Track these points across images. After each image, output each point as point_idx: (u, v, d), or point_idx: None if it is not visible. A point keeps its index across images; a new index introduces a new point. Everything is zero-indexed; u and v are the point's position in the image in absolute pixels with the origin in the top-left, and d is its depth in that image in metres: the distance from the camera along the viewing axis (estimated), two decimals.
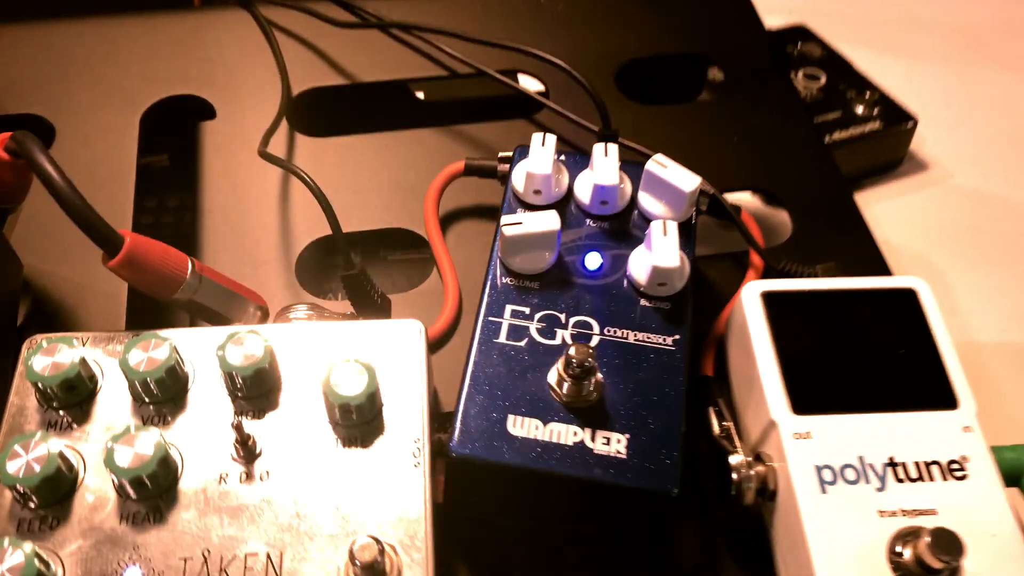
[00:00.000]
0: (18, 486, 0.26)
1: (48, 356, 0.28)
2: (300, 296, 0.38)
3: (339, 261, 0.33)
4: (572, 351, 0.28)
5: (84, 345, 0.30)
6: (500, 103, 0.48)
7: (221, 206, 0.40)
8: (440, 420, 0.32)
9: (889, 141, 0.70)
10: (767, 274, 0.38)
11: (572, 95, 0.42)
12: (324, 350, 0.30)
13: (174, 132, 0.44)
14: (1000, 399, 0.55)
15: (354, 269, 0.32)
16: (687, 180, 0.33)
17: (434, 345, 0.36)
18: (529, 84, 0.47)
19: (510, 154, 0.37)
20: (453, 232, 0.40)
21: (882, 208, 0.68)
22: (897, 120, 0.70)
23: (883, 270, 0.39)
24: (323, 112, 0.45)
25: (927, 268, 0.62)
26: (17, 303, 0.36)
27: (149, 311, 0.36)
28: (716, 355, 0.36)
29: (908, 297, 0.34)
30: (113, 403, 0.29)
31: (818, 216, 0.41)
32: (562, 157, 0.35)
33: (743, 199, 0.46)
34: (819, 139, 0.44)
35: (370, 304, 0.33)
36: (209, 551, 0.27)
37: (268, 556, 0.27)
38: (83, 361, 0.29)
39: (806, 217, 0.41)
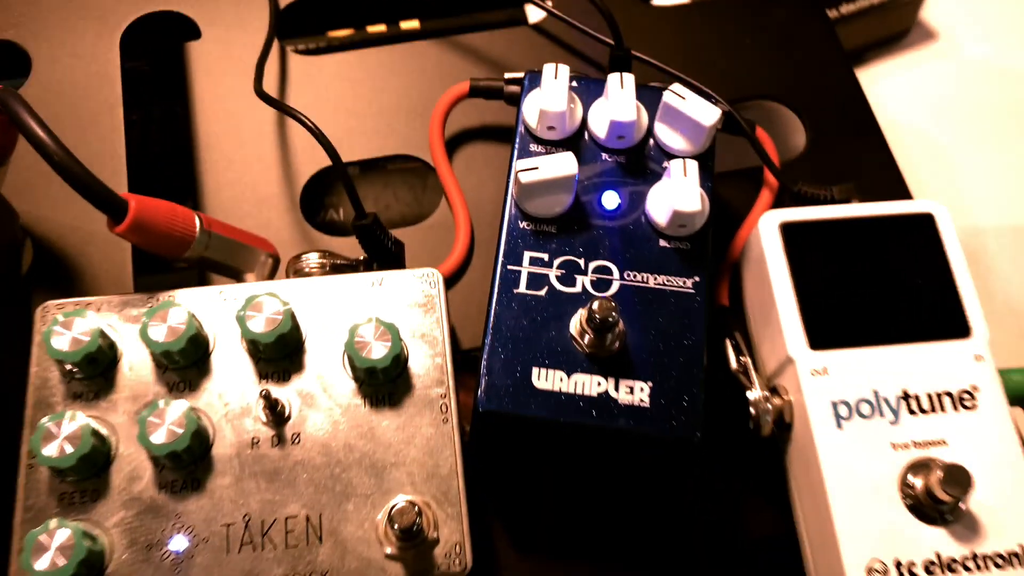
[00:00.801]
0: (56, 466, 0.26)
1: (66, 330, 0.28)
2: (306, 233, 0.37)
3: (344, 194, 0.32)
4: (595, 306, 0.28)
5: (99, 311, 0.30)
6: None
7: (217, 139, 0.39)
8: (460, 357, 0.32)
9: (897, 11, 0.68)
10: (782, 194, 0.37)
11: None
12: (344, 306, 0.30)
13: (156, 53, 0.42)
14: (1002, 284, 0.55)
15: (366, 219, 0.32)
16: (707, 113, 0.31)
17: (448, 281, 0.36)
18: None
19: (518, 75, 0.36)
20: (460, 157, 0.39)
21: (889, 84, 0.66)
22: None
23: (901, 186, 0.38)
24: (314, 21, 0.43)
25: (934, 147, 0.61)
26: (18, 252, 0.35)
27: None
28: (731, 282, 0.36)
29: (926, 222, 0.33)
30: (136, 370, 0.29)
31: (833, 126, 0.40)
32: (574, 83, 0.34)
33: None
34: (835, 40, 0.42)
35: (384, 251, 0.32)
36: (249, 516, 0.27)
37: (307, 518, 0.27)
38: (102, 333, 0.28)
39: (821, 127, 0.40)
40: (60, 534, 0.25)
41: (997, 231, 0.59)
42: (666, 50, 0.41)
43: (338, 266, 0.33)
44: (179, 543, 0.27)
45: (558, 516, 0.32)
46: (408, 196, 0.48)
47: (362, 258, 0.33)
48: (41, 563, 0.25)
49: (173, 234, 0.30)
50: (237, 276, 0.32)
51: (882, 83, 0.66)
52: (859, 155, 0.39)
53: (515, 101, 0.36)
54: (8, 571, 0.26)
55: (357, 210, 0.32)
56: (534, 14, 0.43)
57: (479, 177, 0.38)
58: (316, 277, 0.31)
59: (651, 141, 0.33)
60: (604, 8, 0.36)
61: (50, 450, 0.26)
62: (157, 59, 0.43)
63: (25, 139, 0.29)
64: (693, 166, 0.31)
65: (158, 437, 0.27)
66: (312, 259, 0.32)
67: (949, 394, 0.31)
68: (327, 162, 0.37)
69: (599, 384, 0.29)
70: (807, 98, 0.41)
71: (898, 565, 0.28)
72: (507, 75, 0.36)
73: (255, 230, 0.36)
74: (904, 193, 0.38)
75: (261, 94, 0.35)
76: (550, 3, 0.41)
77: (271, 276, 0.33)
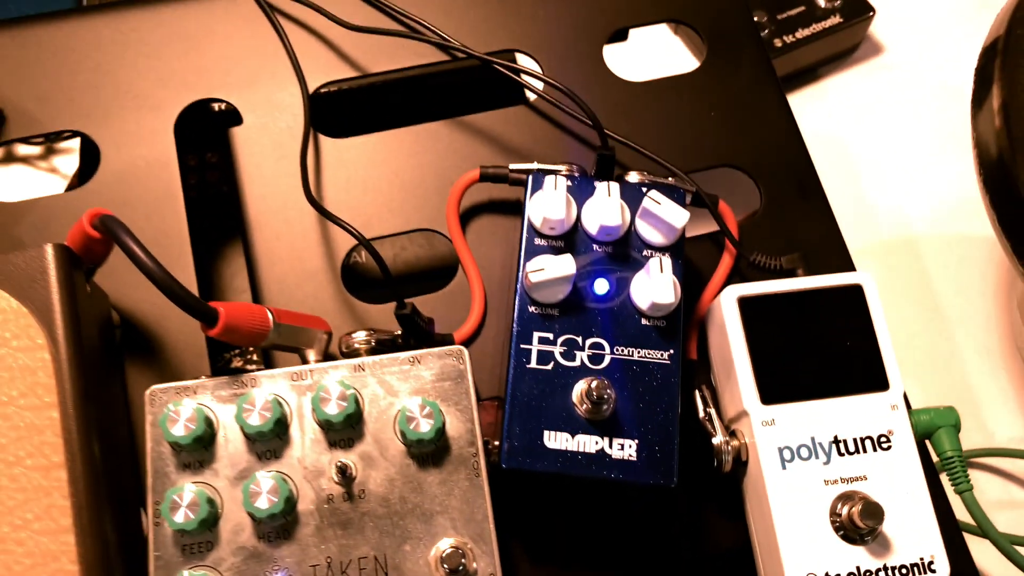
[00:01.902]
0: (183, 529, 0.34)
1: (177, 416, 0.35)
2: (348, 302, 0.44)
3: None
4: (593, 385, 0.36)
5: (195, 394, 0.37)
6: (497, 91, 0.52)
7: (266, 219, 0.46)
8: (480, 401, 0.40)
9: (848, 32, 0.75)
10: (739, 259, 0.45)
11: (569, 67, 0.48)
12: (391, 381, 0.38)
13: (203, 137, 0.48)
14: (928, 284, 0.64)
15: (405, 309, 0.39)
16: (678, 216, 0.39)
17: (466, 342, 0.43)
18: (526, 62, 0.51)
19: (521, 167, 0.43)
20: (471, 229, 0.46)
21: (839, 97, 0.73)
22: (856, 13, 0.74)
23: (842, 249, 0.46)
24: (339, 108, 0.49)
25: (878, 156, 0.69)
26: (112, 326, 0.42)
27: None
28: (698, 337, 0.44)
29: (856, 292, 0.41)
30: (231, 442, 0.37)
31: (785, 190, 0.48)
32: (568, 183, 0.41)
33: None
34: (787, 109, 0.49)
35: (419, 330, 0.40)
36: (331, 558, 0.35)
37: (375, 558, 0.36)
38: (207, 420, 0.36)
39: (774, 191, 0.48)
40: None
41: (931, 229, 0.66)
42: (641, 122, 0.49)
43: (382, 341, 0.40)
44: None
45: (565, 533, 0.41)
46: (420, 238, 0.55)
47: (399, 333, 0.41)
48: None
49: (253, 331, 0.37)
50: (301, 354, 0.40)
51: (832, 96, 0.73)
52: (807, 217, 0.47)
53: (518, 183, 0.43)
54: None
55: (398, 303, 0.39)
56: (530, 94, 0.49)
57: (488, 245, 0.45)
58: (367, 358, 0.38)
59: (633, 234, 0.40)
60: (590, 112, 0.43)
61: (178, 517, 0.34)
62: (210, 146, 0.49)
63: (130, 260, 0.35)
64: (668, 263, 0.38)
65: (261, 503, 0.34)
66: (360, 336, 0.40)
67: (870, 438, 0.39)
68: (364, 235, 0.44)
69: (596, 443, 0.37)
70: (763, 167, 0.48)
71: None
72: (511, 166, 0.43)
73: (304, 302, 0.44)
74: (843, 252, 0.46)
75: (310, 199, 0.42)
76: (541, 85, 0.48)
77: (327, 349, 0.41)
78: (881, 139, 0.71)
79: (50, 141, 0.64)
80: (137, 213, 0.45)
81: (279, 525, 0.36)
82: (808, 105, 0.73)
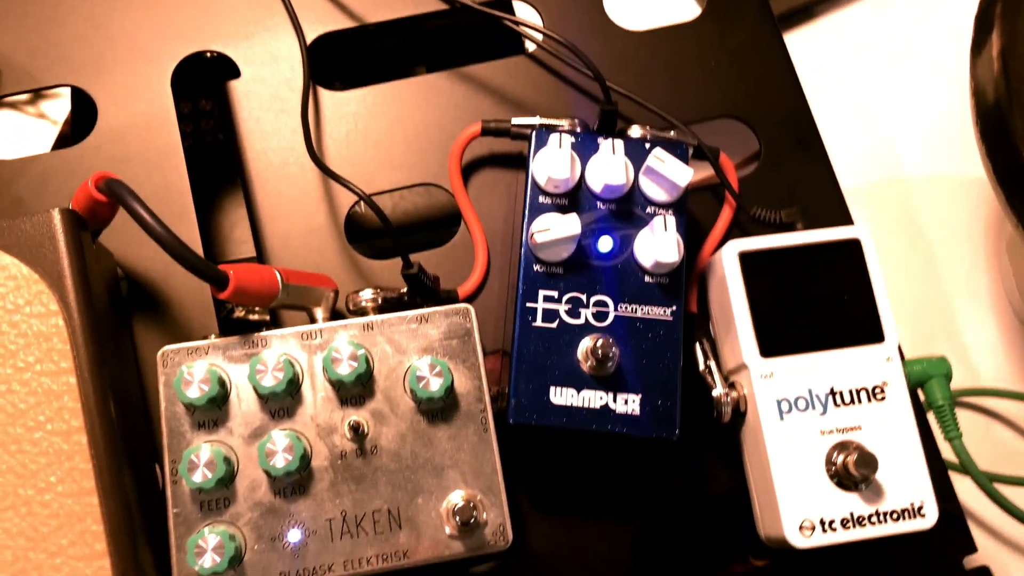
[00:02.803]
0: (201, 488, 0.35)
1: (191, 379, 0.36)
2: (352, 257, 0.45)
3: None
4: (598, 343, 0.37)
5: (207, 355, 0.38)
6: (496, 39, 0.51)
7: (267, 174, 0.45)
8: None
9: None
10: (739, 212, 0.45)
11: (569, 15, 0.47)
12: (400, 340, 0.38)
13: (200, 90, 0.47)
14: (917, 224, 0.65)
15: (412, 268, 0.39)
16: (682, 174, 0.39)
17: (469, 297, 0.44)
18: (524, 11, 0.50)
19: (525, 121, 0.43)
20: (473, 184, 0.46)
21: (832, 36, 0.73)
22: None
23: (840, 202, 0.47)
24: (338, 60, 0.48)
25: (869, 97, 0.69)
26: (118, 284, 0.43)
27: None
28: (698, 289, 0.45)
29: (853, 246, 0.42)
30: (244, 401, 0.37)
31: (785, 141, 0.48)
32: (572, 141, 0.41)
33: None
34: (787, 59, 0.49)
35: (426, 289, 0.40)
36: (345, 512, 0.37)
37: (389, 511, 0.37)
38: (220, 380, 0.36)
39: (774, 142, 0.48)
40: (212, 539, 0.34)
41: (921, 170, 0.67)
42: (642, 72, 0.48)
43: (388, 299, 0.41)
44: (295, 535, 0.36)
45: (570, 485, 0.42)
46: (419, 188, 0.55)
47: (405, 290, 0.41)
48: (204, 562, 0.34)
49: (263, 293, 0.37)
50: (309, 312, 0.40)
51: (825, 34, 0.73)
52: (806, 169, 0.47)
53: (520, 137, 0.43)
54: (170, 564, 0.35)
55: (405, 262, 0.39)
56: (530, 43, 0.49)
57: (489, 199, 0.46)
58: (375, 317, 0.39)
59: (636, 190, 0.41)
60: (592, 66, 0.43)
61: (196, 477, 0.35)
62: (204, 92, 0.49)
63: (139, 225, 0.36)
64: (672, 222, 0.39)
65: (277, 461, 0.35)
66: (367, 295, 0.40)
67: (866, 389, 0.40)
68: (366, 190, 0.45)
69: (601, 398, 0.38)
70: (763, 118, 0.48)
71: (822, 522, 0.38)
72: (514, 120, 0.43)
73: (308, 258, 0.44)
74: (841, 204, 0.47)
75: (313, 157, 0.42)
76: (541, 37, 0.47)
77: (334, 307, 0.41)
78: (873, 79, 0.71)
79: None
80: (137, 169, 0.45)
81: (294, 481, 0.37)
82: (802, 44, 0.72)
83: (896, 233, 0.64)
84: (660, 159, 0.39)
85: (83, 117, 0.52)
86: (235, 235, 0.54)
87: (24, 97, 0.63)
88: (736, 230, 0.46)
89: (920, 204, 0.66)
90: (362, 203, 0.51)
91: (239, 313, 0.52)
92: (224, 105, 0.47)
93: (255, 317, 0.52)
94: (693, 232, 0.46)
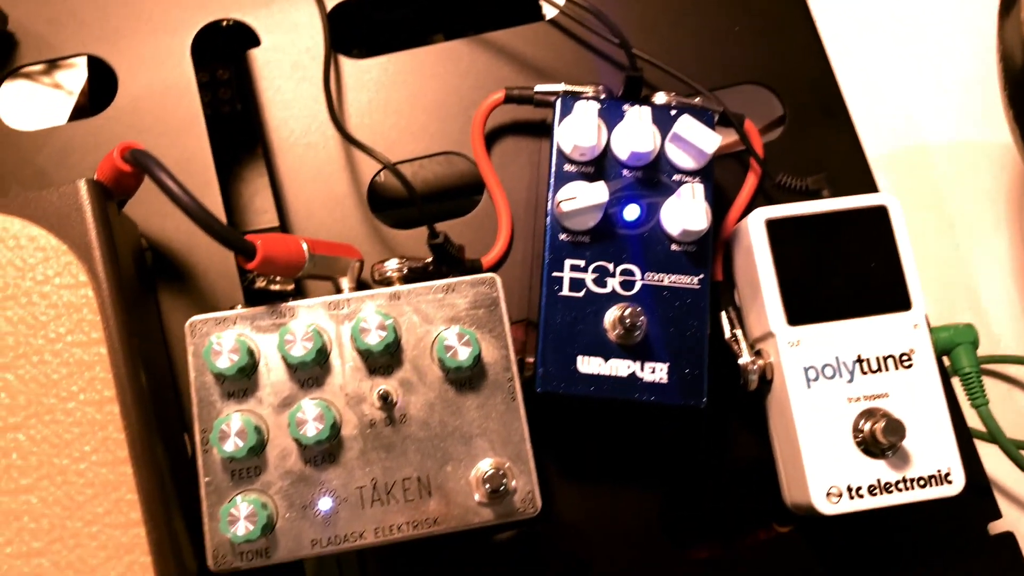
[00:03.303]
0: (232, 457, 0.35)
1: (220, 349, 0.36)
2: (375, 226, 0.45)
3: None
4: (626, 313, 0.37)
5: (235, 324, 0.38)
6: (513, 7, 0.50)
7: (289, 144, 0.45)
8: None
9: None
10: (764, 178, 0.45)
11: None
12: (427, 309, 0.38)
13: (218, 59, 0.47)
14: (938, 190, 0.64)
15: (438, 239, 0.39)
16: (709, 141, 0.39)
17: (493, 266, 0.44)
18: None
19: (549, 88, 0.42)
20: (496, 151, 0.46)
21: (840, 11, 0.72)
22: None
23: (865, 169, 0.46)
24: (355, 27, 0.48)
25: (880, 69, 0.68)
26: (143, 254, 0.43)
27: None
28: (724, 258, 0.44)
29: (881, 213, 0.42)
30: (273, 371, 0.37)
31: (809, 107, 0.47)
32: (599, 107, 0.40)
33: None
34: (812, 24, 0.48)
35: (451, 259, 0.40)
36: (375, 480, 0.37)
37: (418, 479, 0.37)
38: (249, 350, 0.37)
39: (799, 109, 0.47)
40: (244, 507, 0.35)
41: (943, 135, 0.66)
42: (665, 37, 0.48)
43: (414, 269, 0.41)
44: (326, 503, 0.36)
45: (596, 452, 0.42)
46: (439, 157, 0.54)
47: (430, 260, 0.41)
48: (237, 530, 0.34)
49: (290, 263, 0.37)
50: (334, 282, 0.40)
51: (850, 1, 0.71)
52: (831, 136, 0.47)
53: (544, 105, 0.43)
54: (202, 532, 0.36)
55: (431, 232, 0.39)
56: (549, 9, 0.48)
57: (512, 167, 0.45)
58: (401, 286, 0.39)
59: (663, 158, 0.40)
60: (618, 31, 0.42)
61: (228, 446, 0.35)
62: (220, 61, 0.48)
63: (166, 196, 0.35)
64: (700, 190, 0.38)
65: (308, 430, 0.36)
66: (392, 265, 0.40)
67: (892, 356, 0.40)
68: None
69: (628, 367, 0.38)
70: (787, 83, 0.48)
71: (849, 489, 0.38)
72: (537, 88, 0.43)
73: (332, 228, 0.44)
74: (866, 171, 0.46)
75: (337, 125, 0.42)
76: (563, 2, 0.47)
77: (359, 277, 0.41)
78: (894, 42, 0.70)
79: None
80: (158, 139, 0.44)
81: (325, 450, 0.37)
82: (826, 10, 0.71)
83: (918, 200, 0.63)
84: (687, 126, 0.39)
85: (101, 87, 0.52)
86: (255, 205, 0.54)
87: (39, 67, 0.63)
88: (761, 198, 0.46)
89: (942, 170, 0.66)
90: (383, 173, 0.51)
91: (260, 284, 0.52)
92: (242, 74, 0.47)
93: (276, 287, 0.52)
94: (717, 200, 0.45)
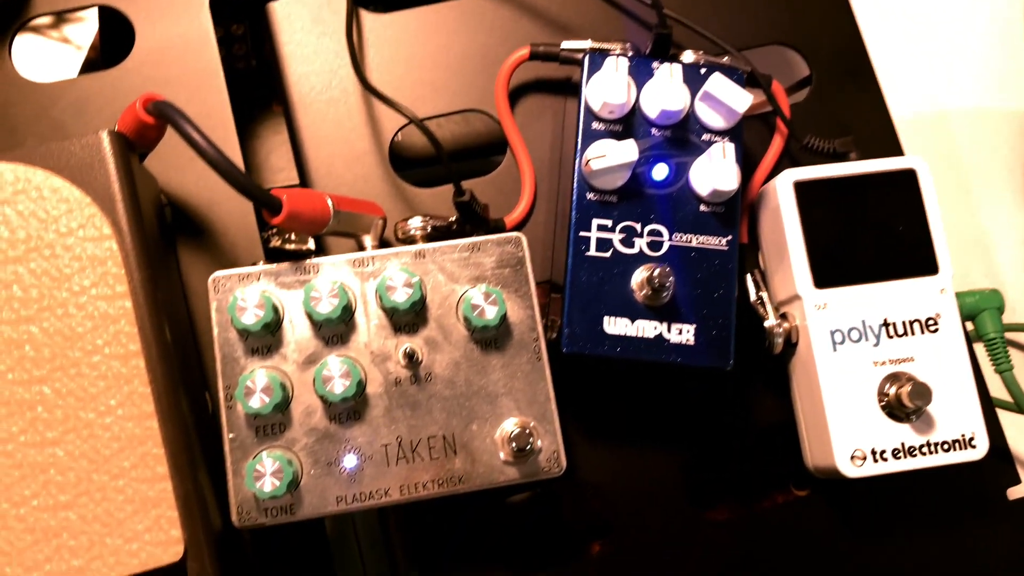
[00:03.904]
0: (258, 413, 0.35)
1: (245, 305, 0.36)
2: (397, 184, 0.44)
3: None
4: (655, 273, 0.37)
5: (259, 280, 0.37)
6: None
7: (310, 99, 0.45)
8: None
9: None
10: (790, 139, 0.45)
11: None
12: (453, 268, 0.38)
13: (233, 14, 0.46)
14: (958, 158, 0.64)
15: (464, 197, 0.39)
16: (740, 100, 0.38)
17: (516, 226, 0.43)
18: None
19: (576, 45, 0.42)
20: (519, 110, 0.45)
21: None
22: None
23: (891, 132, 0.46)
24: None
25: (905, 34, 0.67)
26: (163, 210, 0.42)
27: None
28: (749, 220, 0.44)
29: (909, 176, 0.41)
30: (297, 328, 0.37)
31: (836, 69, 0.47)
32: (628, 65, 0.40)
33: None
34: None
35: (477, 217, 0.40)
36: (400, 438, 0.37)
37: (444, 437, 0.37)
38: (274, 307, 0.36)
39: (825, 70, 0.47)
40: (270, 463, 0.35)
41: (962, 102, 0.65)
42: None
43: (437, 227, 0.40)
44: (351, 461, 0.36)
45: (619, 413, 0.42)
46: (456, 115, 0.54)
47: (454, 218, 0.41)
48: (263, 486, 0.34)
49: (315, 219, 0.37)
50: (357, 240, 0.40)
51: None
52: (857, 98, 0.46)
53: (569, 62, 0.42)
54: (226, 487, 0.36)
55: (457, 190, 0.39)
56: None
57: (535, 125, 0.45)
58: (426, 245, 0.38)
59: (692, 117, 0.40)
60: None
61: (253, 402, 0.35)
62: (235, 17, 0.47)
63: (191, 148, 0.35)
64: (731, 149, 0.38)
65: (334, 387, 0.35)
66: (416, 223, 0.40)
67: (919, 321, 0.40)
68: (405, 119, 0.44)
69: (655, 328, 0.38)
70: (814, 44, 0.47)
71: (873, 452, 0.38)
72: (564, 44, 0.42)
73: (353, 185, 0.44)
74: (891, 134, 0.46)
75: (361, 78, 0.41)
76: None
77: (383, 235, 0.41)
78: (921, 10, 0.69)
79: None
80: (177, 93, 0.44)
81: (350, 407, 0.37)
82: None
83: (938, 166, 0.63)
84: (719, 84, 0.38)
85: (113, 41, 0.51)
86: (271, 163, 0.54)
87: (47, 20, 0.61)
88: (786, 160, 0.45)
89: (963, 138, 0.65)
90: (402, 132, 0.50)
91: (275, 243, 0.51)
92: (258, 29, 0.46)
93: (292, 247, 0.51)
94: (744, 161, 0.45)
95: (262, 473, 0.34)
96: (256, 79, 0.55)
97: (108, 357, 0.34)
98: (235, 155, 0.43)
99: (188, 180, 0.43)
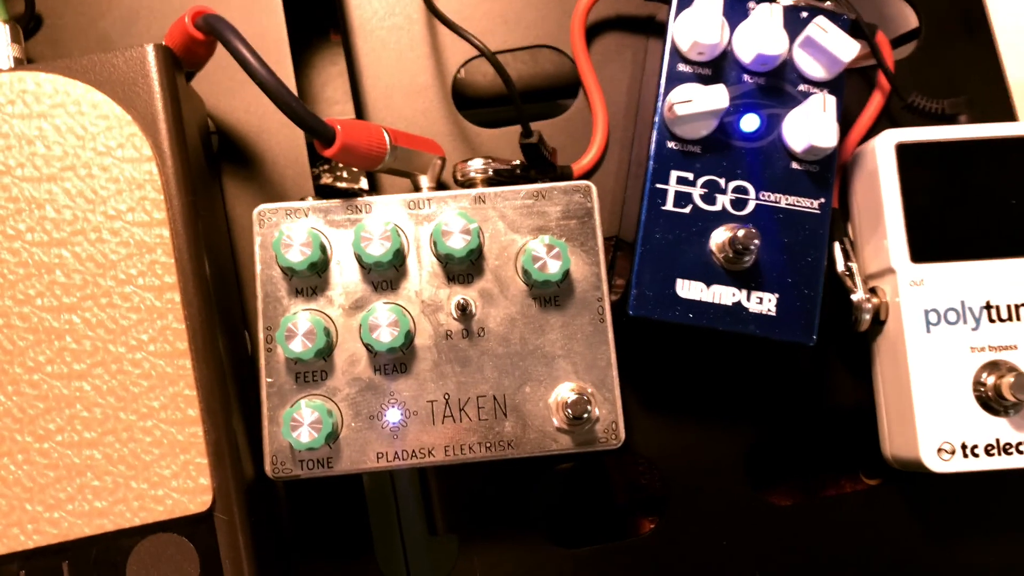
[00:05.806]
0: (299, 358, 0.33)
1: (291, 242, 0.33)
2: (458, 122, 0.41)
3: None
4: (740, 234, 0.33)
5: (307, 216, 0.35)
6: None
7: (371, 28, 0.41)
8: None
9: None
10: (891, 97, 0.40)
11: None
12: (514, 216, 0.35)
13: None
14: None
15: (532, 138, 0.35)
16: (846, 48, 0.34)
17: (585, 175, 0.40)
18: None
19: None
20: (595, 49, 0.41)
21: None
22: None
23: (1004, 94, 0.41)
24: None
25: None
26: (208, 136, 0.40)
27: None
28: (840, 183, 0.40)
29: None
30: (345, 270, 0.34)
31: (948, 24, 0.42)
32: (723, 1, 0.36)
33: None
34: None
35: (544, 162, 0.36)
36: (448, 395, 0.34)
37: (494, 397, 0.34)
38: (321, 245, 0.33)
39: (936, 26, 0.42)
40: (308, 413, 0.32)
41: None
42: None
43: (499, 171, 0.37)
44: (394, 415, 0.34)
45: (683, 382, 0.39)
46: (523, 54, 0.50)
47: (518, 162, 0.37)
48: (300, 436, 0.32)
49: (371, 154, 0.34)
50: (413, 179, 0.37)
51: None
52: (970, 55, 0.42)
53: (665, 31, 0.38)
54: (261, 434, 0.33)
55: (524, 130, 0.36)
56: None
57: (612, 67, 0.41)
58: (485, 189, 0.35)
59: (789, 65, 0.36)
60: None
61: (295, 346, 0.32)
62: None
63: (241, 67, 0.32)
64: (832, 103, 0.34)
65: (381, 336, 0.33)
66: (477, 165, 0.37)
67: None
68: (472, 52, 0.40)
69: (733, 295, 0.35)
70: None
71: (964, 447, 0.35)
72: None
73: (412, 120, 0.41)
74: (1006, 99, 0.41)
75: (429, 4, 0.38)
76: None
77: (440, 176, 0.38)
78: None
79: None
80: (231, 11, 0.41)
81: (396, 358, 0.34)
82: None
83: None
84: (823, 29, 0.34)
85: None
86: (325, 95, 0.51)
87: None
88: (885, 120, 0.41)
89: None
90: (464, 69, 0.47)
91: (326, 180, 0.49)
92: None
93: (343, 185, 0.48)
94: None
95: (300, 422, 0.32)
96: (314, 3, 0.52)
97: (141, 288, 0.31)
98: (289, 82, 0.40)
99: (237, 105, 0.40)
